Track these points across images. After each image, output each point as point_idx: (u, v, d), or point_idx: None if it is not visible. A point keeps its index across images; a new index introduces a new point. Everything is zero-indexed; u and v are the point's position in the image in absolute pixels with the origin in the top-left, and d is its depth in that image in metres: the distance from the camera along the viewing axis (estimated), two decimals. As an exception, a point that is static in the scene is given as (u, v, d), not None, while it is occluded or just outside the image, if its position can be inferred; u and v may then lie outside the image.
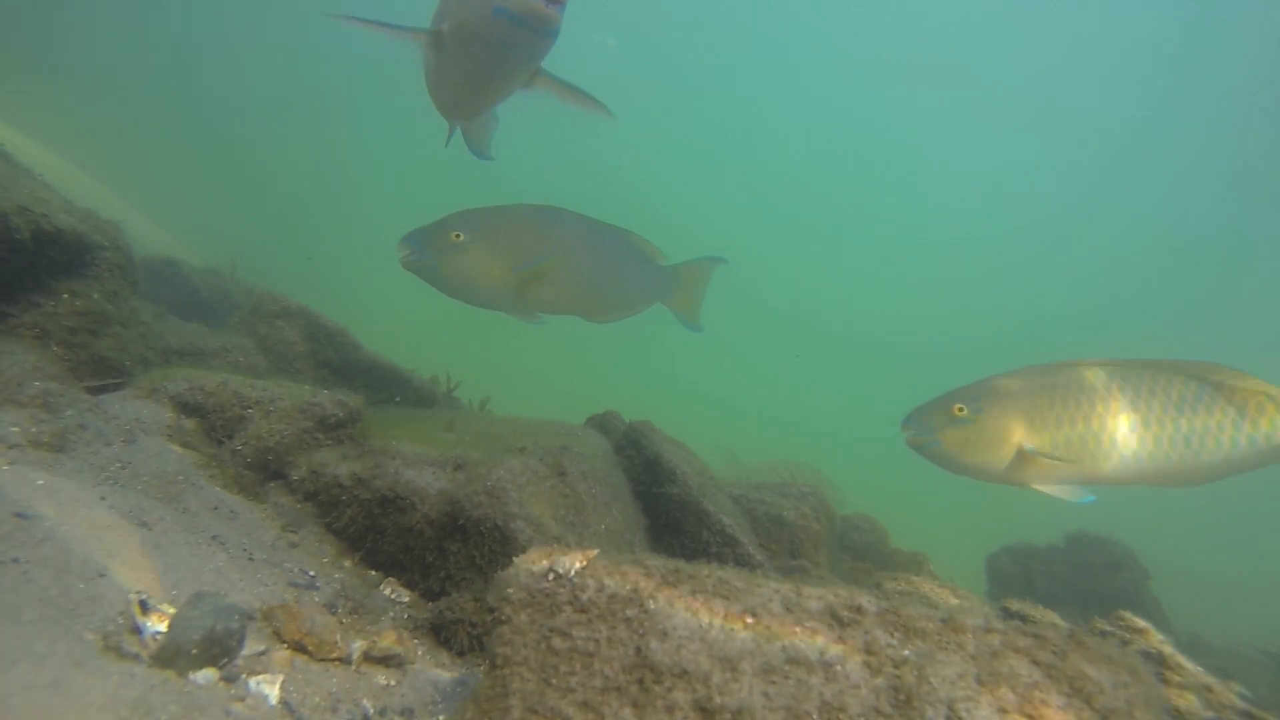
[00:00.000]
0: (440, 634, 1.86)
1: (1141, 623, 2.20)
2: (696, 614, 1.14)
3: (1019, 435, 2.60)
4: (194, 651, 1.19)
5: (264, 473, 2.30)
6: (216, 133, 21.48)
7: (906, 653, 1.08)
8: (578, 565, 1.24)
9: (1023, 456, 2.62)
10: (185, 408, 2.37)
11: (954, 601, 3.35)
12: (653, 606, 1.15)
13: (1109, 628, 2.22)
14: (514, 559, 1.29)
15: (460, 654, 1.82)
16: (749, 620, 1.13)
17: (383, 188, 27.20)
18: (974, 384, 2.77)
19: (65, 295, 2.50)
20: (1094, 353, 2.73)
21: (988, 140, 32.08)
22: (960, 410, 2.61)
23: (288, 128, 24.01)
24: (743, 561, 2.80)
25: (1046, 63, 28.78)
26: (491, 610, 1.25)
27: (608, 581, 1.20)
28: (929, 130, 32.99)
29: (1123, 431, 2.58)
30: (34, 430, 1.81)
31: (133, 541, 1.50)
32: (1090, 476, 2.66)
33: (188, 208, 14.88)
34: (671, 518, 2.92)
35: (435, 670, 1.70)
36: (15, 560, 1.23)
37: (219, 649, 1.23)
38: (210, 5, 21.45)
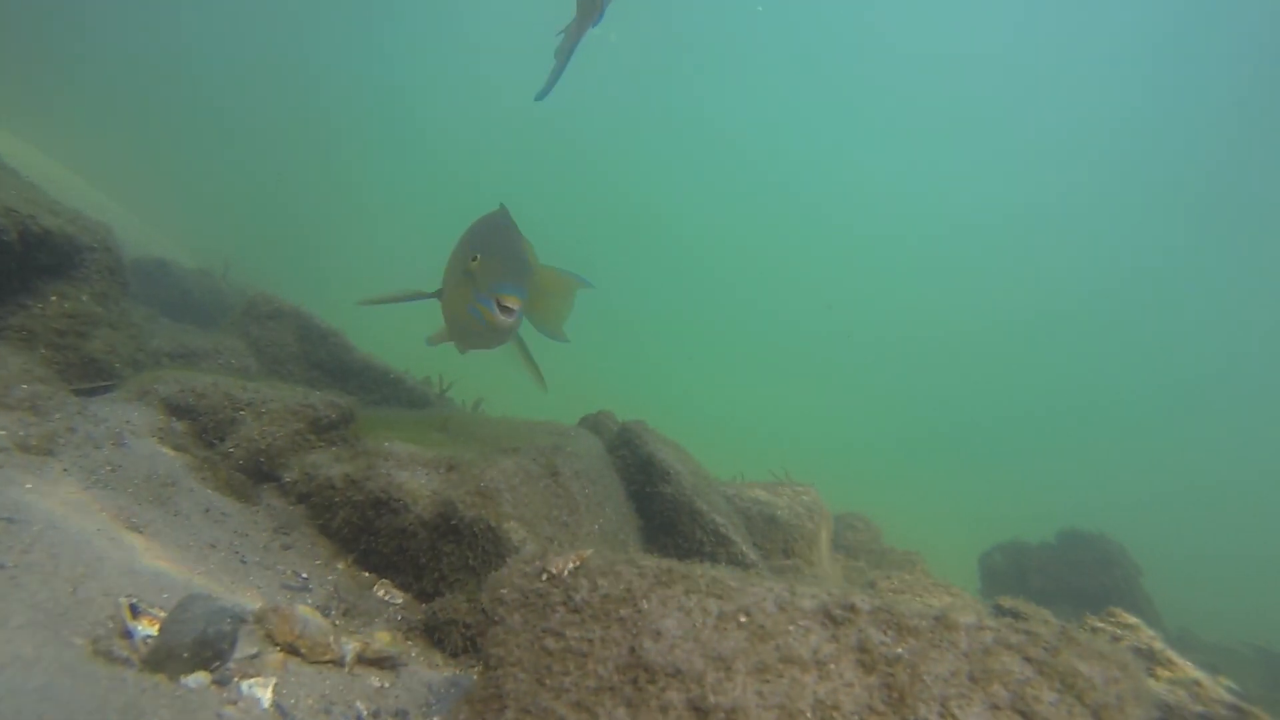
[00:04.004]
0: (434, 635, 1.85)
1: (1133, 619, 2.22)
2: (690, 614, 1.14)
3: None
4: (185, 655, 1.18)
5: (256, 475, 2.29)
6: (210, 133, 21.40)
7: (900, 651, 1.08)
8: (571, 566, 1.23)
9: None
10: (176, 410, 2.36)
11: (947, 599, 3.36)
12: (646, 606, 1.15)
13: (1101, 624, 2.24)
14: (507, 560, 1.29)
15: (454, 655, 1.81)
16: (743, 619, 1.13)
17: (378, 187, 27.15)
18: (519, 258, 2.40)
19: (53, 297, 2.48)
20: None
21: (979, 138, 32.23)
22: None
23: (282, 128, 23.94)
24: (736, 561, 2.80)
25: (1036, 58, 28.94)
26: (485, 611, 1.25)
27: (601, 582, 1.20)
28: (922, 129, 33.11)
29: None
30: (22, 434, 1.79)
31: (123, 545, 1.49)
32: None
33: (180, 209, 14.80)
34: (665, 517, 2.92)
35: (429, 672, 1.69)
36: (2, 565, 1.22)
37: (211, 652, 1.22)
38: (204, 7, 21.35)
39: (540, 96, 3.26)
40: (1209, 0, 22.57)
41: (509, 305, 2.12)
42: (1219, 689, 1.92)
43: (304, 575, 1.91)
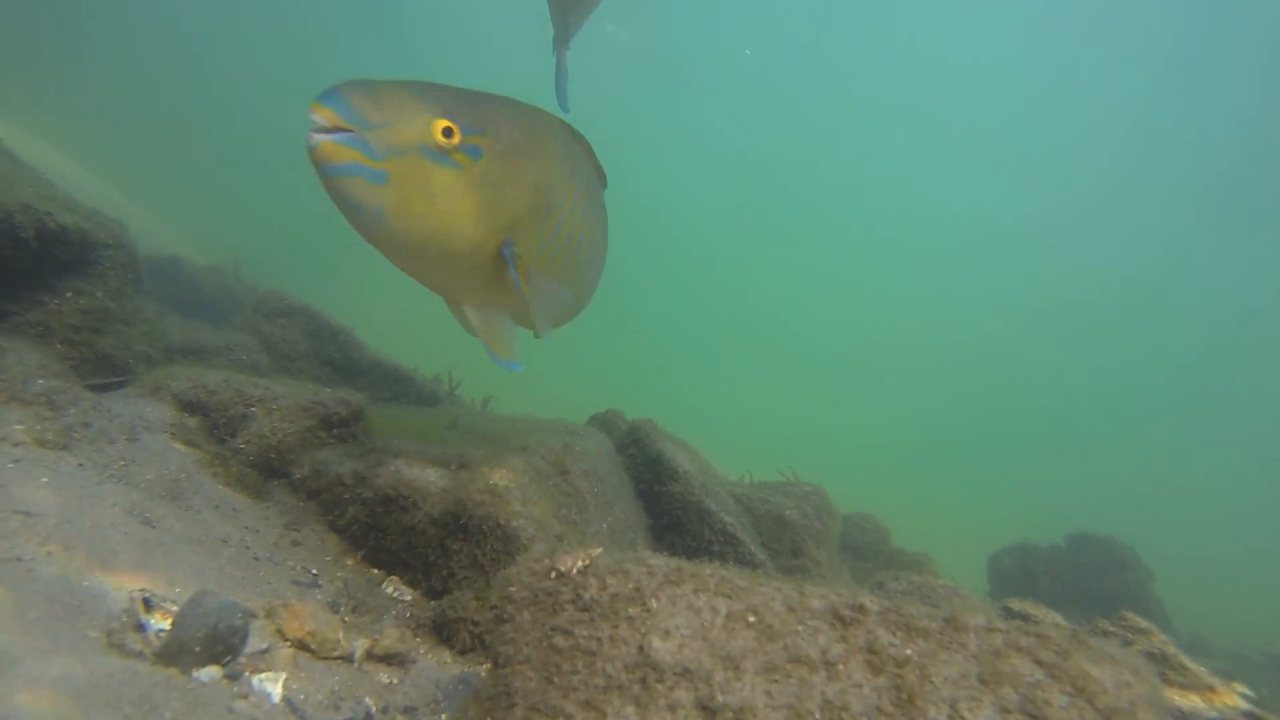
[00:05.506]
0: (442, 632, 1.86)
1: (1144, 623, 2.20)
2: (699, 613, 1.14)
3: (516, 216, 1.47)
4: (197, 649, 1.19)
5: (267, 471, 2.31)
6: (222, 130, 21.57)
7: (909, 652, 1.07)
8: (580, 564, 1.24)
9: (499, 256, 1.50)
10: (188, 406, 2.38)
11: (956, 601, 3.35)
12: (655, 605, 1.15)
13: (1112, 628, 2.22)
14: (516, 558, 1.29)
15: (462, 653, 1.82)
16: (751, 619, 1.13)
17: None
18: (463, 92, 1.52)
19: (69, 293, 2.50)
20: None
21: (985, 143, 32.02)
22: (450, 136, 1.40)
23: (293, 125, 24.05)
24: (745, 560, 2.80)
25: (1041, 61, 28.72)
26: (494, 609, 1.25)
27: (610, 580, 1.20)
28: (931, 134, 32.92)
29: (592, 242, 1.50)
30: (38, 428, 1.81)
31: (136, 539, 1.51)
32: (555, 312, 1.62)
33: (192, 206, 14.93)
34: (674, 516, 2.92)
35: (437, 669, 1.70)
36: (19, 558, 1.24)
37: (222, 647, 1.23)
38: (212, 4, 21.51)
39: (563, 106, 3.34)
40: (1217, 5, 22.38)
41: (317, 117, 1.35)
42: (1233, 695, 1.90)
43: (313, 571, 1.92)
